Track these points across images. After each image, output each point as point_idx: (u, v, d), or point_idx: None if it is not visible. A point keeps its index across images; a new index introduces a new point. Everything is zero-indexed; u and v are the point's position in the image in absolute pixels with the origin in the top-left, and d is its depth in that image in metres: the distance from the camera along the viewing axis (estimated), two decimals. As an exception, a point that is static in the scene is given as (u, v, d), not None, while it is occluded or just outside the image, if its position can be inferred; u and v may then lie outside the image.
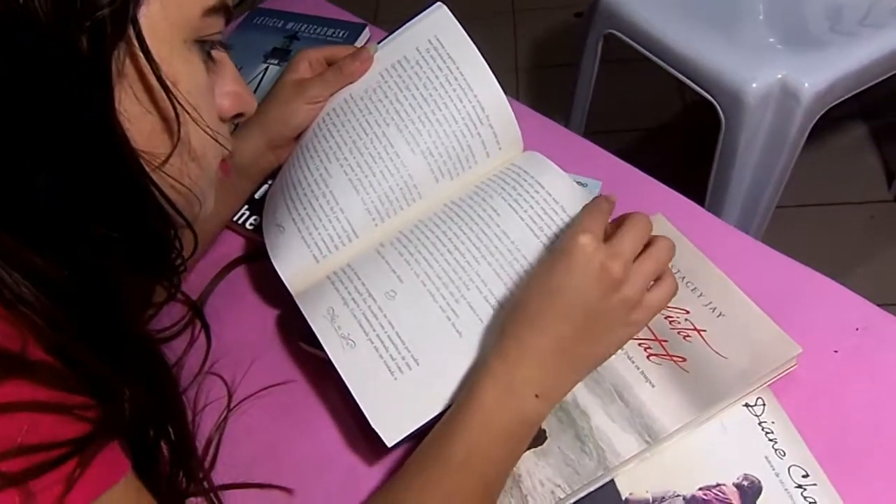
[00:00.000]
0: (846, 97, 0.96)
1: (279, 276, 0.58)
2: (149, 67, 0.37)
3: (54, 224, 0.37)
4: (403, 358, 0.52)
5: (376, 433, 0.51)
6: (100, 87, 0.36)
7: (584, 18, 1.20)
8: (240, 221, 0.70)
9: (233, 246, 0.70)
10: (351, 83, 0.62)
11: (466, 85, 0.58)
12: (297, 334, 0.61)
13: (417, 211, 0.59)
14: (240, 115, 0.47)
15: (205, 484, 0.46)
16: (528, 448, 0.51)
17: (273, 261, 0.59)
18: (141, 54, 0.36)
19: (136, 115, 0.38)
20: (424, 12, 0.61)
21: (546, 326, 0.47)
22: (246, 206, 0.70)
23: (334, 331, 0.54)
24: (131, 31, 0.36)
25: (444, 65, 0.58)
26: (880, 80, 1.01)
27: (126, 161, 0.38)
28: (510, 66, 1.86)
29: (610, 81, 1.29)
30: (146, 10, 0.37)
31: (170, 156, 0.40)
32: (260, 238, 0.62)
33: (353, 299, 0.55)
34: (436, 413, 0.50)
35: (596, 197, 0.53)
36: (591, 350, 0.49)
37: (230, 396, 0.58)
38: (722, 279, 0.58)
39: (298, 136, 0.65)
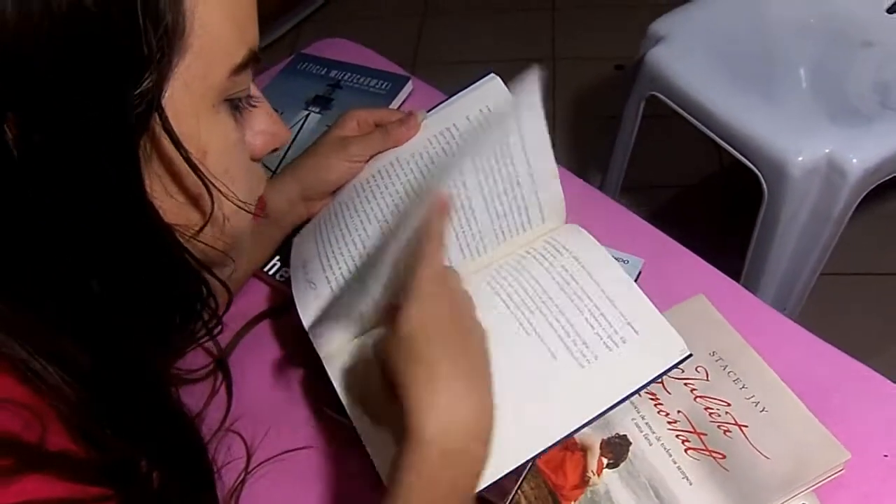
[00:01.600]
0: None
1: (298, 334, 0.57)
2: (175, 149, 0.35)
3: (89, 309, 0.36)
4: None
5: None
6: (129, 173, 0.34)
7: (627, 76, 1.19)
8: (270, 272, 0.69)
9: (260, 296, 0.69)
10: (395, 147, 0.61)
11: (514, 155, 0.56)
12: (321, 397, 0.59)
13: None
14: (275, 150, 0.46)
15: None
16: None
17: (302, 318, 0.58)
18: (166, 135, 0.35)
19: (157, 193, 0.37)
20: (478, 82, 0.61)
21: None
22: (277, 258, 0.69)
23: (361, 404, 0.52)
24: (156, 120, 0.34)
25: (499, 136, 0.56)
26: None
27: (161, 237, 0.37)
28: (548, 114, 1.86)
29: (649, 136, 1.27)
30: (170, 94, 0.35)
31: (203, 226, 0.39)
32: (289, 290, 0.61)
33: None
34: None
35: None
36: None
37: (248, 458, 0.57)
38: (765, 370, 0.56)
39: (334, 192, 0.64)
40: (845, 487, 0.52)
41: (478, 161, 0.55)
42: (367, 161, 0.62)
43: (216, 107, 0.38)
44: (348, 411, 0.53)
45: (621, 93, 1.20)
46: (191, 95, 0.36)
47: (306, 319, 0.58)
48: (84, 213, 0.34)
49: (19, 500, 0.30)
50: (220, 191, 0.38)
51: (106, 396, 0.36)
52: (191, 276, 0.39)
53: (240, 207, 0.40)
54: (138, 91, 0.32)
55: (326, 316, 0.57)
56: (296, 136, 0.82)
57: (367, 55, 0.94)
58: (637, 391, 0.51)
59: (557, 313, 0.54)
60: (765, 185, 0.94)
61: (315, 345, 0.57)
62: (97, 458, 0.33)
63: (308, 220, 0.65)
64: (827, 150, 0.89)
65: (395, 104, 0.84)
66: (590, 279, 0.55)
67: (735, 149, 0.96)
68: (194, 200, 0.38)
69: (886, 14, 1.11)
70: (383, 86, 0.87)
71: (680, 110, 1.03)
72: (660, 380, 0.52)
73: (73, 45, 0.31)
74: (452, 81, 0.65)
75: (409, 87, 0.85)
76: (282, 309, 0.66)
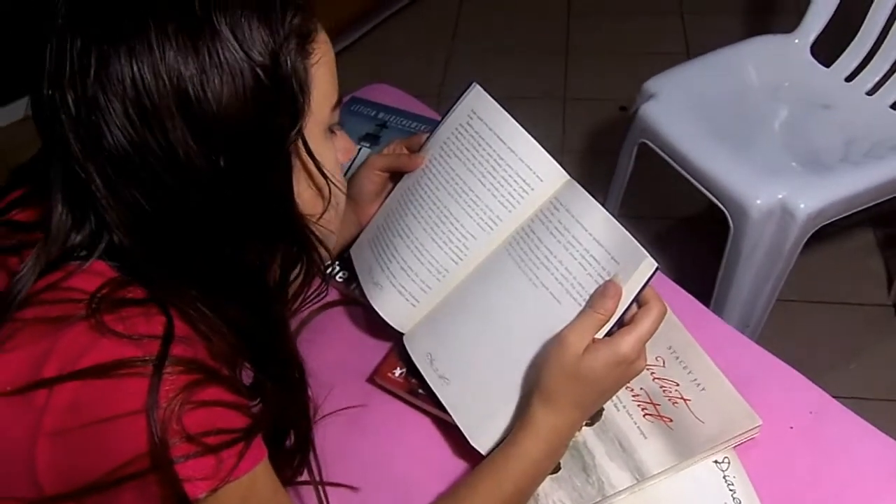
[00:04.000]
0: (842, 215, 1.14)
1: (350, 323, 0.77)
2: (308, 159, 0.55)
3: (242, 273, 0.55)
4: (482, 387, 0.70)
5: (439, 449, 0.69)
6: (285, 179, 0.55)
7: (626, 122, 1.39)
8: (332, 272, 0.88)
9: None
10: (408, 171, 0.80)
11: (500, 139, 0.73)
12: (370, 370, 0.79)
13: (485, 248, 0.74)
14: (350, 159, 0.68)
15: (314, 471, 0.63)
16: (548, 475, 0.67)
17: (381, 314, 0.76)
18: (302, 149, 0.55)
19: (301, 191, 0.57)
20: (464, 93, 0.78)
21: (559, 409, 0.64)
22: (338, 263, 0.89)
23: (433, 372, 0.73)
24: (300, 142, 0.54)
25: (483, 130, 0.74)
26: (876, 202, 1.18)
27: (298, 221, 0.57)
28: (558, 149, 2.06)
29: (647, 172, 1.46)
30: (306, 124, 0.54)
31: (324, 212, 0.59)
32: (345, 288, 0.80)
33: (444, 345, 0.73)
34: (509, 424, 0.68)
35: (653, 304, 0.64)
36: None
37: (315, 411, 0.75)
38: (706, 360, 0.75)
39: (375, 207, 0.83)
40: (758, 448, 0.71)
41: (457, 152, 0.74)
42: (390, 175, 0.81)
43: (326, 133, 0.59)
44: (428, 381, 0.73)
45: (621, 134, 1.40)
46: (314, 127, 0.56)
47: (384, 314, 0.76)
48: (256, 206, 0.53)
49: (210, 398, 0.50)
50: (335, 184, 0.58)
51: (248, 337, 0.55)
52: (312, 247, 0.58)
53: (343, 192, 0.61)
54: (292, 128, 0.53)
55: (390, 299, 0.76)
56: (350, 166, 1.02)
57: (406, 99, 1.15)
58: (631, 302, 0.64)
59: (557, 263, 0.67)
60: (731, 223, 1.13)
61: (398, 329, 0.76)
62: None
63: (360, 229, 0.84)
64: (780, 196, 1.09)
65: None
66: (580, 226, 0.68)
67: (709, 191, 1.16)
68: (321, 191, 0.58)
69: (845, 82, 1.32)
70: (421, 128, 1.07)
71: (665, 157, 1.23)
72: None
73: (257, 107, 0.50)
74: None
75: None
76: (344, 301, 0.86)
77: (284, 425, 0.61)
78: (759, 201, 1.09)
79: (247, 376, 0.58)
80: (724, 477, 0.69)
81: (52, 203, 0.51)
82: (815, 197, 1.09)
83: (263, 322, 0.57)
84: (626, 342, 0.62)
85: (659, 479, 0.69)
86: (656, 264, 0.63)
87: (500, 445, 0.66)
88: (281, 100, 0.52)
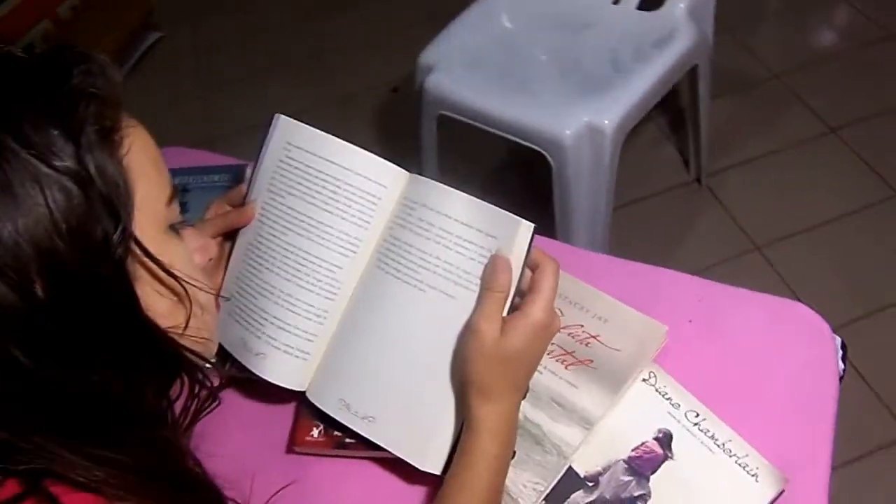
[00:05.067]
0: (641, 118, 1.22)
1: (239, 404, 0.71)
2: (153, 265, 0.48)
3: (122, 419, 0.48)
4: (410, 410, 0.67)
5: (394, 487, 0.64)
6: (126, 294, 0.47)
7: (407, 99, 1.38)
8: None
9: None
10: (241, 227, 0.73)
11: (328, 160, 0.69)
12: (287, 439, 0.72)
13: (355, 274, 0.70)
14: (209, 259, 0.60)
15: None
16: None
17: (275, 382, 0.70)
18: (141, 254, 0.47)
19: (153, 303, 0.49)
20: (271, 127, 0.73)
21: (498, 397, 0.62)
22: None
23: (354, 416, 0.68)
24: (133, 246, 0.47)
25: (307, 158, 0.70)
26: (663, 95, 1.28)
27: (158, 339, 0.49)
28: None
29: (453, 141, 1.47)
30: (136, 225, 0.47)
31: (188, 321, 0.52)
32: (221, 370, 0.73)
33: (354, 385, 0.69)
34: (452, 434, 0.65)
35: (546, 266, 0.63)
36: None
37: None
38: (597, 294, 0.77)
39: (219, 278, 0.75)
40: (672, 351, 0.74)
41: (289, 189, 0.70)
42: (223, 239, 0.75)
43: (167, 232, 0.51)
44: (354, 429, 0.68)
45: (415, 117, 1.39)
46: (148, 227, 0.48)
47: (281, 382, 0.70)
48: (100, 332, 0.45)
49: None
50: (192, 284, 0.51)
51: (148, 477, 0.48)
52: (186, 362, 0.52)
53: (208, 292, 0.54)
54: (116, 233, 0.45)
55: (279, 363, 0.70)
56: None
57: (195, 155, 1.06)
58: (522, 269, 0.63)
59: (434, 260, 0.65)
60: (550, 159, 1.17)
61: (308, 394, 0.70)
62: None
63: None
64: (585, 120, 1.15)
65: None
66: (444, 217, 0.65)
67: (518, 138, 1.19)
68: (175, 301, 0.51)
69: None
70: (226, 178, 1.00)
71: (466, 120, 1.24)
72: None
73: (68, 219, 0.42)
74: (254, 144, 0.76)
75: (248, 171, 0.98)
76: (219, 388, 0.78)
77: None
78: (568, 132, 1.14)
79: None
80: (657, 391, 0.71)
81: None
82: (613, 110, 1.16)
83: (159, 458, 0.50)
84: (537, 309, 0.61)
85: (604, 421, 0.70)
86: (533, 224, 0.63)
87: (454, 459, 0.63)
88: (93, 205, 0.44)
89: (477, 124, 1.23)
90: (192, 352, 0.52)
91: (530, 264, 0.64)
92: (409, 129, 1.48)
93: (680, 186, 1.78)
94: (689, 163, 1.76)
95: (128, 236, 0.46)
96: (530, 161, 1.29)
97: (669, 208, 1.74)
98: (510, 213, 0.64)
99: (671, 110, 1.89)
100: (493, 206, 0.65)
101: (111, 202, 0.45)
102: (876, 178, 1.72)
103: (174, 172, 1.00)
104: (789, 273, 1.58)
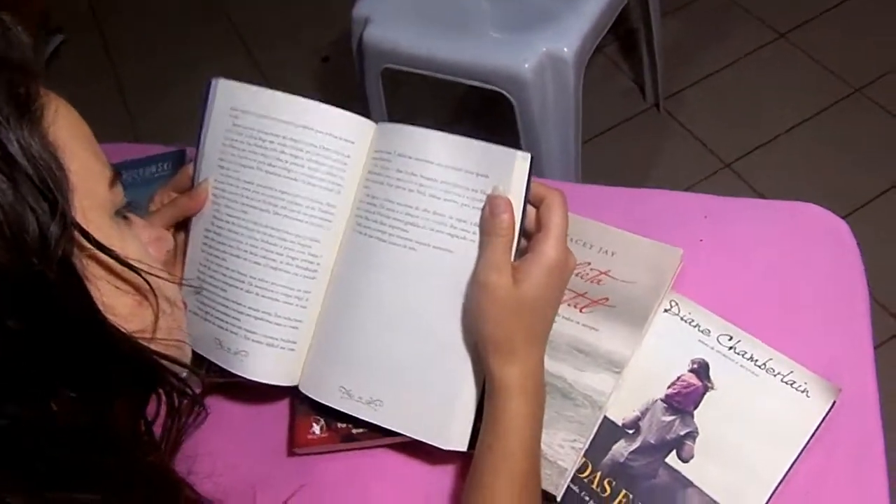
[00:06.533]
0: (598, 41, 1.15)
1: (225, 409, 0.62)
2: (107, 258, 0.39)
3: (82, 450, 0.39)
4: (421, 386, 0.59)
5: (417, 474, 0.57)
6: (79, 297, 0.38)
7: (354, 65, 1.29)
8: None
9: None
10: (193, 214, 0.64)
11: (283, 121, 0.60)
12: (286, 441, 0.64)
13: (333, 245, 0.61)
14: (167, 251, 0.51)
15: None
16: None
17: (260, 380, 0.61)
18: (95, 251, 0.39)
19: (113, 302, 0.40)
20: (209, 95, 0.63)
21: (521, 353, 0.54)
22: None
23: (358, 402, 0.60)
24: (77, 235, 0.38)
25: (258, 122, 0.61)
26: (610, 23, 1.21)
27: (127, 349, 0.41)
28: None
29: (398, 94, 1.38)
30: (76, 209, 0.38)
31: (157, 321, 0.43)
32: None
33: (353, 368, 0.60)
34: (474, 403, 0.58)
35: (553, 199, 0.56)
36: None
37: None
38: (598, 226, 0.70)
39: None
40: (690, 274, 0.68)
41: (243, 161, 0.61)
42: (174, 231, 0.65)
43: (113, 219, 0.42)
44: (359, 417, 0.60)
45: (358, 76, 1.30)
46: (91, 211, 0.40)
47: (268, 379, 0.62)
48: (55, 349, 0.37)
49: None
50: (156, 276, 0.42)
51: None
52: (161, 369, 0.43)
53: (174, 281, 0.45)
54: (54, 223, 0.36)
55: (264, 360, 0.62)
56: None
57: (128, 149, 0.95)
58: (524, 207, 0.56)
59: (423, 213, 0.57)
60: (511, 98, 1.10)
61: (301, 388, 0.62)
62: None
63: None
64: (544, 49, 1.07)
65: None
66: (425, 163, 0.57)
67: (473, 79, 1.11)
68: (138, 298, 0.42)
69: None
70: (164, 167, 0.89)
71: (415, 70, 1.15)
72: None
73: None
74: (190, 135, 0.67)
75: (189, 155, 0.88)
76: (209, 388, 0.69)
77: None
78: (527, 65, 1.06)
79: None
80: (682, 319, 0.65)
81: None
82: (571, 36, 1.08)
83: (146, 493, 0.42)
84: (549, 247, 0.54)
85: (634, 359, 0.63)
86: (530, 154, 0.55)
87: (482, 429, 0.56)
88: (20, 190, 0.35)
89: (426, 73, 1.14)
90: (167, 357, 0.43)
91: (532, 200, 0.57)
92: (351, 94, 1.38)
93: (639, 115, 1.72)
94: (645, 89, 1.70)
95: (69, 225, 0.37)
96: (486, 106, 1.21)
97: (632, 138, 1.68)
98: (501, 146, 0.56)
99: (619, 38, 1.82)
100: (479, 141, 0.57)
101: (43, 184, 0.36)
102: (832, 77, 1.69)
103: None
104: (763, 186, 1.54)
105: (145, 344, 0.41)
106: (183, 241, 0.67)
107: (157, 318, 0.43)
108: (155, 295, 0.42)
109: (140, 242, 0.44)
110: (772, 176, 1.55)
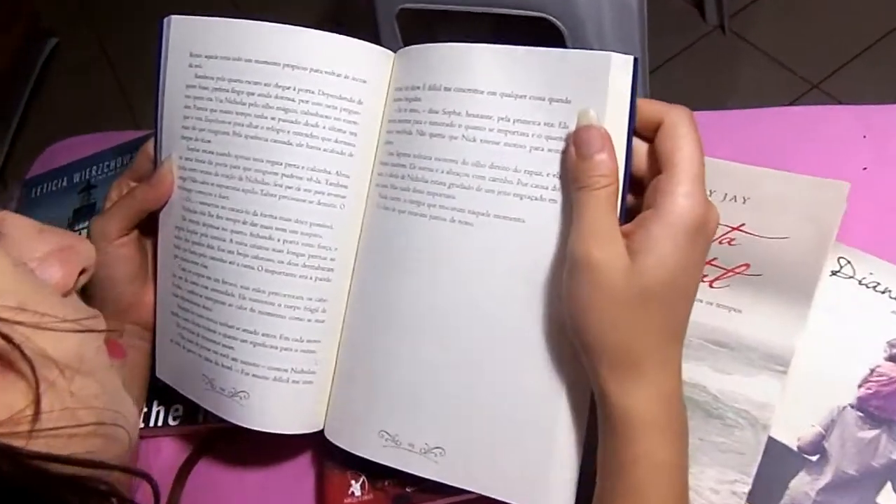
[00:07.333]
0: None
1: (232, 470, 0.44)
2: None
3: None
4: (504, 416, 0.40)
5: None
6: None
7: (368, 9, 1.10)
8: (159, 424, 0.53)
9: (170, 446, 0.54)
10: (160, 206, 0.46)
11: (264, 62, 0.42)
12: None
13: (353, 231, 0.44)
14: (83, 271, 0.32)
15: None
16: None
17: (271, 430, 0.44)
18: None
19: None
20: (162, 40, 0.45)
21: (651, 364, 0.35)
22: (157, 405, 0.54)
23: (409, 451, 0.41)
24: None
25: (229, 68, 0.43)
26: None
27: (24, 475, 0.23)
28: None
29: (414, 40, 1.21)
30: None
31: (38, 406, 0.25)
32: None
33: (399, 404, 0.42)
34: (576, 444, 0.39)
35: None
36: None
37: None
38: (721, 165, 0.50)
39: (149, 289, 0.49)
40: (855, 219, 0.47)
41: (216, 127, 0.43)
42: (139, 233, 0.48)
43: None
44: (409, 471, 0.42)
45: (371, 24, 1.10)
46: None
47: (282, 428, 0.44)
48: None
49: None
50: (21, 323, 0.24)
51: None
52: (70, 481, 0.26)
53: (69, 329, 0.27)
54: None
55: (275, 401, 0.44)
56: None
57: (101, 139, 0.78)
58: (628, 141, 0.37)
59: (475, 168, 0.39)
60: (560, 25, 0.89)
61: (327, 433, 0.44)
62: None
63: None
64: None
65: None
66: (472, 95, 0.39)
67: (516, 8, 0.91)
68: (18, 373, 0.24)
69: None
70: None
71: (438, 6, 0.96)
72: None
73: None
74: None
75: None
76: (208, 441, 0.52)
77: None
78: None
79: None
80: (860, 283, 0.45)
81: None
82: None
83: None
84: (680, 199, 0.34)
85: (801, 349, 0.43)
86: (633, 56, 0.36)
87: (598, 482, 0.37)
88: None
89: (450, 7, 0.94)
90: (68, 460, 0.25)
91: (640, 128, 0.37)
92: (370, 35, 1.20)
93: (702, 39, 1.49)
94: (705, 8, 1.47)
95: None
96: (521, 41, 1.01)
97: (696, 67, 1.46)
98: (585, 50, 0.37)
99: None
100: (550, 49, 0.37)
101: None
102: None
103: (70, 171, 0.76)
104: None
105: (18, 448, 0.23)
106: (152, 247, 0.49)
107: (37, 398, 0.24)
108: (27, 358, 0.24)
109: (12, 269, 0.26)
110: (870, 91, 1.31)
